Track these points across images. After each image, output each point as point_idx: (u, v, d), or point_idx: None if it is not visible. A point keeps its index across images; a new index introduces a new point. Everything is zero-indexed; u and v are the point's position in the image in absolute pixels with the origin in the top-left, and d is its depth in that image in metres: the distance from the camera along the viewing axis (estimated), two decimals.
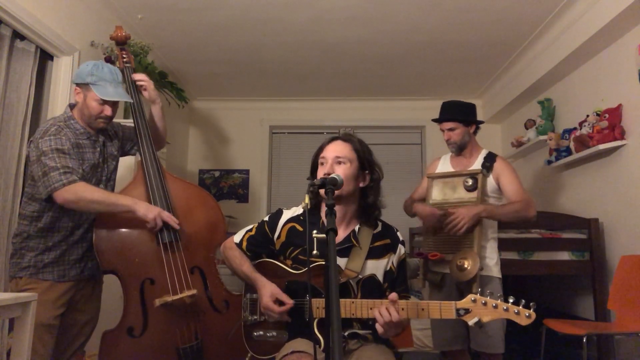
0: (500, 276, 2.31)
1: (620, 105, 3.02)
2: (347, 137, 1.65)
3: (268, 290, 1.53)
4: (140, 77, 2.25)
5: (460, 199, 2.31)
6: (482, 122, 2.50)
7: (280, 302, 1.52)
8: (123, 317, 1.92)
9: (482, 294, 1.38)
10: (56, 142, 1.86)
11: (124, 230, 1.97)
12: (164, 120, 2.32)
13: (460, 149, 2.44)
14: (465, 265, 2.13)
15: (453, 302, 1.38)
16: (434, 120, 2.54)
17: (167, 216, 1.94)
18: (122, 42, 2.38)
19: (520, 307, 1.33)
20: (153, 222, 1.90)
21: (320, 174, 1.59)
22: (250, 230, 1.74)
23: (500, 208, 2.26)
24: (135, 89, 2.25)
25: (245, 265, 1.64)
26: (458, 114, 2.42)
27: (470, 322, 1.35)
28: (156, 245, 1.97)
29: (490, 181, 2.33)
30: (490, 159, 2.38)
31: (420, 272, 2.43)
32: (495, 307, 1.34)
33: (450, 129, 2.41)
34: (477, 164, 2.39)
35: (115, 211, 1.90)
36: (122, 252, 1.95)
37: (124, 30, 2.38)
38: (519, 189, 2.28)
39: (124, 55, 2.34)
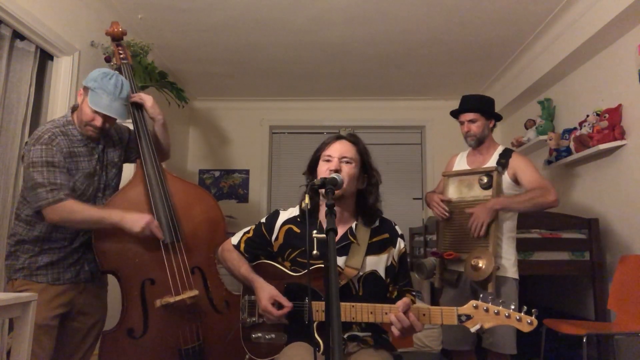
0: (517, 277, 2.28)
1: (620, 105, 3.02)
2: (352, 139, 1.64)
3: (267, 293, 1.52)
4: (138, 95, 2.17)
5: (475, 197, 2.30)
6: (500, 118, 2.47)
7: (279, 305, 1.51)
8: (123, 318, 1.91)
9: (494, 296, 1.37)
10: (47, 152, 1.82)
11: (123, 230, 1.92)
12: (167, 137, 2.27)
13: (479, 143, 2.41)
14: (480, 265, 2.11)
15: (455, 307, 1.37)
16: (453, 113, 2.49)
17: (155, 227, 1.91)
18: (118, 38, 2.33)
19: (522, 314, 1.33)
20: (142, 234, 1.87)
21: (323, 170, 1.58)
22: (248, 232, 1.73)
23: (515, 197, 2.23)
24: (135, 85, 2.21)
25: (244, 267, 1.64)
26: (480, 105, 2.40)
27: (473, 329, 1.34)
28: (157, 245, 1.95)
29: (506, 178, 2.30)
30: (505, 155, 2.35)
31: (437, 272, 2.40)
32: (497, 313, 1.34)
33: (471, 121, 2.38)
34: (492, 161, 2.37)
35: (103, 227, 1.88)
36: (122, 253, 1.93)
37: (120, 26, 2.34)
38: (536, 178, 2.25)
39: (121, 52, 2.29)
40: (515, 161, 2.31)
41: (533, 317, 1.32)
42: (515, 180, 2.30)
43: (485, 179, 2.28)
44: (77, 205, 1.83)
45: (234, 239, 1.74)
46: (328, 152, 1.61)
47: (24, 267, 1.88)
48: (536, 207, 2.20)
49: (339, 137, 1.64)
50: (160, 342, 1.91)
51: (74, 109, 2.01)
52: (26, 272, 1.87)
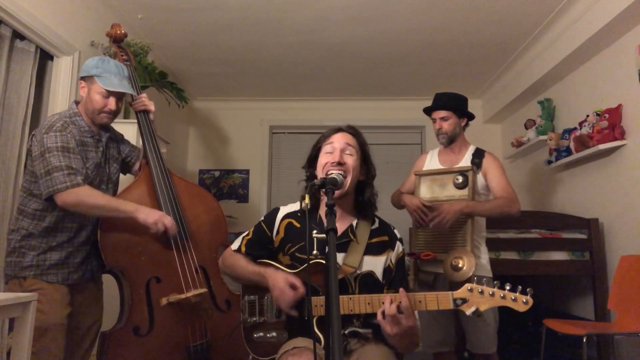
0: (491, 275, 2.29)
1: (620, 105, 3.02)
2: (352, 130, 1.65)
3: (282, 276, 1.49)
4: (142, 100, 2.19)
5: (450, 197, 2.28)
6: (473, 117, 2.48)
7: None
8: (128, 316, 1.90)
9: (489, 279, 1.36)
10: (62, 138, 1.82)
11: (130, 228, 1.93)
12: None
13: (450, 141, 2.41)
14: (460, 265, 2.07)
15: (450, 292, 1.37)
16: (426, 110, 2.50)
17: (170, 222, 1.90)
18: (119, 40, 2.34)
19: (517, 294, 1.32)
20: (154, 226, 1.86)
21: (324, 162, 1.57)
22: (247, 234, 1.72)
23: (482, 204, 2.24)
24: (138, 86, 2.22)
25: (251, 265, 1.61)
26: (452, 103, 2.40)
27: (468, 312, 1.33)
28: (164, 243, 1.96)
29: (480, 178, 2.32)
30: (478, 155, 2.36)
31: (411, 272, 2.38)
32: (492, 295, 1.33)
33: (443, 118, 2.39)
34: (465, 160, 2.37)
35: (116, 217, 1.88)
36: (128, 251, 1.93)
37: (122, 28, 2.34)
38: (505, 185, 2.27)
39: (122, 54, 2.30)
40: (488, 162, 2.32)
41: (528, 297, 1.31)
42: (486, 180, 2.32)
43: (460, 179, 2.27)
44: (93, 190, 1.83)
45: (234, 245, 1.72)
46: (329, 141, 1.60)
47: (32, 264, 1.84)
48: (501, 215, 2.24)
49: (338, 129, 1.64)
50: (167, 339, 1.91)
51: (77, 103, 2.01)
52: (37, 271, 1.84)
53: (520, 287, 1.33)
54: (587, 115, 3.28)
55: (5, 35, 2.45)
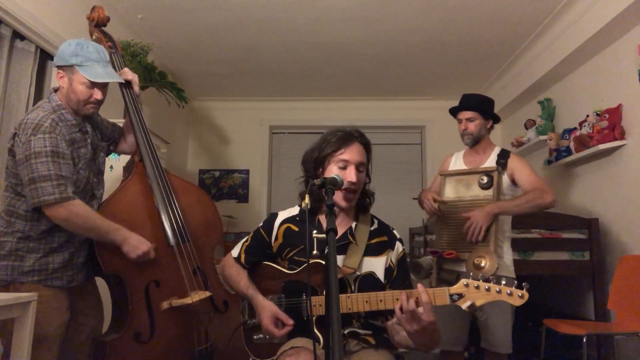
0: (514, 276, 2.28)
1: (620, 105, 3.02)
2: (364, 140, 1.61)
3: (267, 312, 1.51)
4: (127, 72, 2.06)
5: (475, 197, 2.28)
6: (499, 120, 2.47)
7: (281, 323, 1.51)
8: (129, 322, 1.83)
9: (484, 274, 1.37)
10: (51, 141, 1.66)
11: (127, 230, 1.84)
12: None
13: (475, 142, 2.39)
14: (483, 264, 2.08)
15: (446, 287, 1.37)
16: (452, 110, 2.48)
17: (150, 257, 1.81)
18: (102, 24, 2.19)
19: (513, 288, 1.32)
20: (134, 259, 1.78)
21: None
22: (246, 240, 1.71)
23: (510, 202, 2.23)
24: (122, 64, 2.12)
25: (242, 283, 1.63)
26: (479, 104, 2.40)
27: (464, 306, 1.34)
28: (162, 245, 1.89)
29: (505, 179, 2.31)
30: (504, 155, 2.35)
31: (434, 271, 2.37)
32: (488, 289, 1.33)
33: (469, 119, 2.37)
34: (490, 161, 2.37)
35: (101, 240, 1.78)
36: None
37: (105, 11, 2.19)
38: (533, 180, 2.25)
39: (107, 40, 2.15)
40: (514, 162, 2.32)
41: (524, 291, 1.31)
42: (514, 181, 2.31)
43: (485, 179, 2.27)
44: (84, 208, 1.71)
45: (234, 251, 1.71)
46: (345, 156, 1.55)
47: (35, 269, 1.71)
48: (534, 209, 2.21)
49: (351, 139, 1.58)
50: (170, 345, 1.87)
51: (56, 90, 1.85)
52: (40, 276, 1.72)
53: (516, 281, 1.34)
54: (587, 115, 3.28)
55: (5, 35, 2.45)
